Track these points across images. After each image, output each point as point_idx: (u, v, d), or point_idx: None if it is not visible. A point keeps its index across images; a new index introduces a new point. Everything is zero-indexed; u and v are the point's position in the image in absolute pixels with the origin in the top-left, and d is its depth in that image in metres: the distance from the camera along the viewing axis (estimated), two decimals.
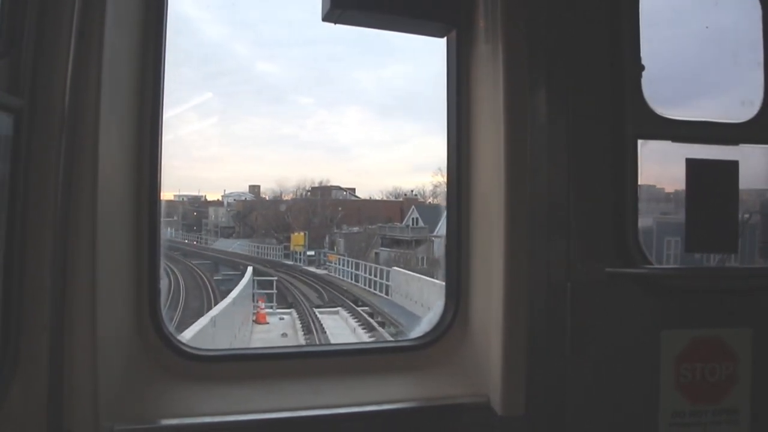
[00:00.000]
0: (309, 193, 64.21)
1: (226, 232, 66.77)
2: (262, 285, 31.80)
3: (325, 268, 46.28)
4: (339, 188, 63.81)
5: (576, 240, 3.16)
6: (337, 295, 34.77)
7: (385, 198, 62.18)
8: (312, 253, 52.27)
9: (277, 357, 3.38)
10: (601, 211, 3.21)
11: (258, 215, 65.34)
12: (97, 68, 2.57)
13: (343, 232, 55.35)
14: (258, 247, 58.53)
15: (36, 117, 2.52)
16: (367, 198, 63.88)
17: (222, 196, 69.27)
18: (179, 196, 71.54)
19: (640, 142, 3.28)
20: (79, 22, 2.52)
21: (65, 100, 2.52)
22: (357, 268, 38.89)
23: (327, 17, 3.10)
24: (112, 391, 2.70)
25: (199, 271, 42.46)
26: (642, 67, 3.27)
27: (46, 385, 2.51)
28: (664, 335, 3.23)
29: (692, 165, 3.33)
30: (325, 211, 59.77)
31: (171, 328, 3.09)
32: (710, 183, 3.34)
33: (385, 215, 55.98)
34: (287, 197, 65.40)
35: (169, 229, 67.82)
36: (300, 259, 51.97)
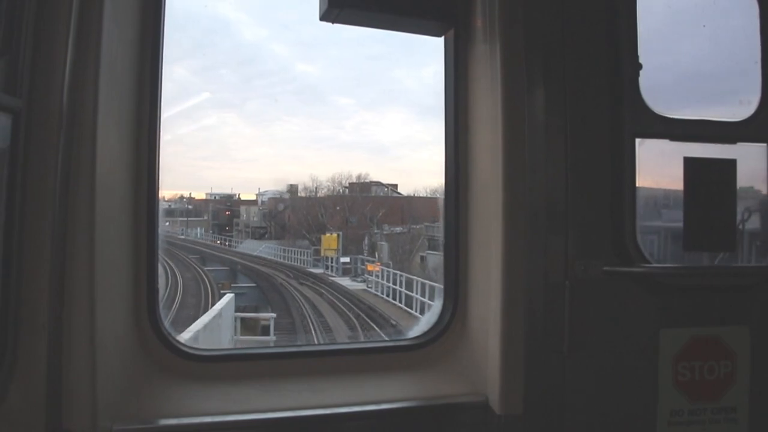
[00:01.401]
0: (346, 190, 57.57)
1: (258, 233, 61.73)
2: (251, 326, 22.07)
3: (363, 280, 35.23)
4: (380, 184, 57.26)
5: (574, 238, 3.16)
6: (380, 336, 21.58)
7: (429, 195, 52.50)
8: (347, 259, 41.38)
9: (275, 356, 3.38)
10: (599, 209, 3.21)
11: (290, 214, 59.08)
12: (94, 68, 2.57)
13: (385, 232, 46.99)
14: (285, 251, 50.52)
15: (34, 117, 2.52)
16: (411, 195, 56.51)
17: (256, 195, 64.82)
18: (211, 194, 68.29)
19: (637, 140, 3.28)
20: (76, 22, 2.52)
21: (63, 100, 2.52)
22: (410, 288, 25.76)
23: (324, 17, 3.09)
24: (110, 390, 2.70)
25: (208, 280, 35.30)
26: (640, 66, 3.27)
27: (44, 384, 2.52)
28: (662, 334, 3.23)
29: (690, 163, 3.33)
30: (364, 209, 52.36)
31: (169, 327, 3.10)
32: (708, 181, 3.34)
33: (432, 214, 45.97)
34: (322, 194, 58.76)
35: (198, 229, 64.66)
36: (331, 266, 42.04)
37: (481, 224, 3.32)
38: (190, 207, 67.19)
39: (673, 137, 3.42)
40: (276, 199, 61.61)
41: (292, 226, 57.22)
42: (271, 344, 18.83)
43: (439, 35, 3.44)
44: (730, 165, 3.35)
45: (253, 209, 64.16)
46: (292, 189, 60.16)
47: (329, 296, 30.31)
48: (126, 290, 2.95)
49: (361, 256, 41.84)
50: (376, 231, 48.57)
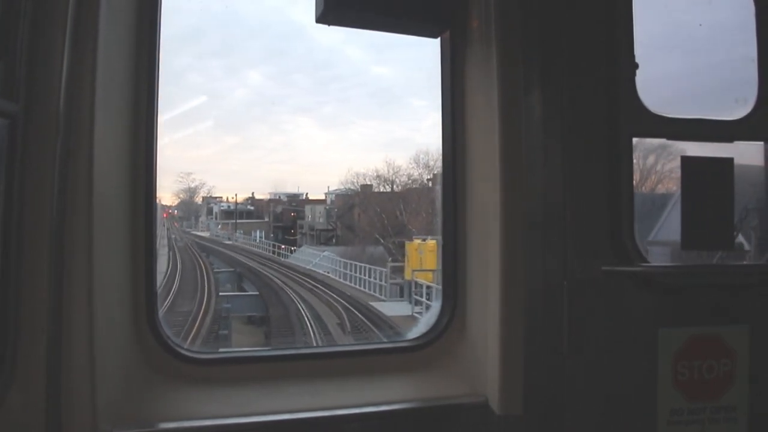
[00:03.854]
0: (430, 182, 44.11)
1: (323, 236, 52.09)
2: None
3: None
4: None
5: (572, 239, 3.16)
6: None
7: None
8: None
9: (274, 359, 3.37)
10: (597, 209, 3.22)
11: (360, 213, 46.44)
12: (91, 72, 2.58)
13: None
14: (347, 266, 32.76)
15: (31, 121, 2.52)
16: None
17: (325, 194, 56.07)
18: (275, 194, 61.68)
19: (635, 140, 3.29)
20: (72, 26, 2.53)
21: (60, 105, 2.52)
22: None
23: (321, 19, 3.09)
24: (110, 394, 2.70)
25: (199, 321, 23.64)
26: (636, 66, 3.28)
27: (44, 389, 2.52)
28: (661, 333, 3.23)
29: (687, 162, 3.34)
30: None
31: (168, 331, 3.10)
32: (705, 180, 3.34)
33: None
34: (401, 186, 46.41)
35: (258, 232, 57.05)
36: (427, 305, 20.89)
37: (480, 225, 3.32)
38: (251, 208, 62.24)
39: (670, 136, 3.44)
40: (345, 196, 51.13)
41: (362, 228, 44.28)
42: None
43: (435, 37, 3.45)
44: (728, 164, 3.35)
45: (319, 209, 55.08)
46: (365, 189, 49.57)
47: None
48: (125, 294, 2.95)
49: None
50: None
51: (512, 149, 3.10)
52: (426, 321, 3.64)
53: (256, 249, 49.83)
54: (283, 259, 43.79)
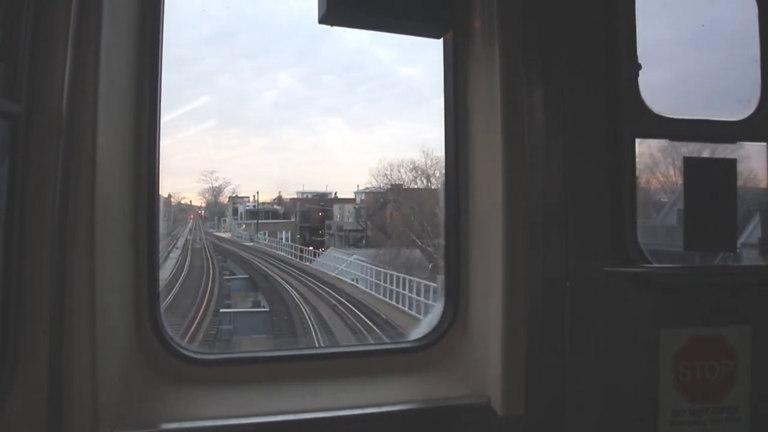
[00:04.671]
0: None
1: (353, 237, 49.14)
2: None
3: None
4: None
5: (574, 239, 3.16)
6: None
7: None
8: None
9: (276, 360, 3.37)
10: (599, 210, 3.21)
11: (393, 211, 42.56)
12: (94, 72, 2.58)
13: None
14: (379, 276, 27.38)
15: (33, 122, 2.52)
16: None
17: (355, 193, 52.70)
18: (302, 193, 58.93)
19: (637, 140, 3.29)
20: (75, 27, 2.53)
21: (63, 105, 2.52)
22: None
23: (323, 19, 3.09)
24: (111, 395, 2.70)
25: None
26: (639, 66, 3.28)
27: (45, 390, 2.52)
28: (663, 334, 3.23)
29: (690, 163, 3.34)
30: None
31: (170, 332, 3.09)
32: (708, 181, 3.34)
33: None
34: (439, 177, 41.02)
35: (284, 233, 54.31)
36: None
37: (482, 225, 3.32)
38: (277, 208, 59.75)
39: (673, 137, 3.43)
40: (376, 194, 47.82)
41: (395, 228, 40.67)
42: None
43: (438, 37, 3.44)
44: (731, 165, 3.35)
45: (348, 207, 52.05)
46: (395, 188, 45.46)
47: None
48: (126, 294, 2.95)
49: None
50: None
51: (514, 149, 3.09)
52: (428, 322, 3.63)
53: (278, 252, 45.72)
54: (307, 264, 38.70)
